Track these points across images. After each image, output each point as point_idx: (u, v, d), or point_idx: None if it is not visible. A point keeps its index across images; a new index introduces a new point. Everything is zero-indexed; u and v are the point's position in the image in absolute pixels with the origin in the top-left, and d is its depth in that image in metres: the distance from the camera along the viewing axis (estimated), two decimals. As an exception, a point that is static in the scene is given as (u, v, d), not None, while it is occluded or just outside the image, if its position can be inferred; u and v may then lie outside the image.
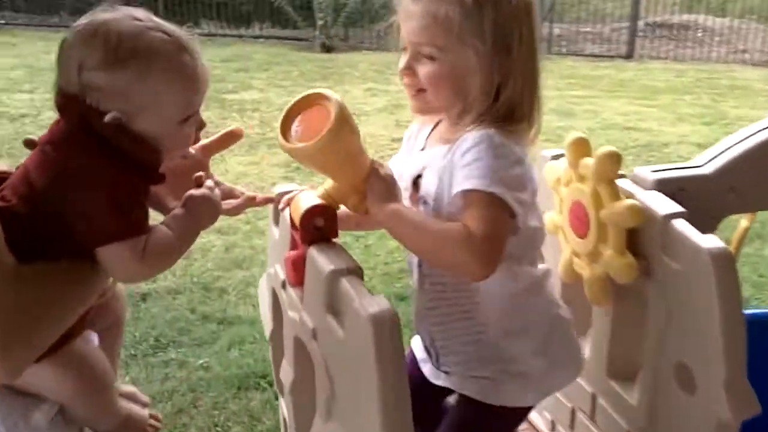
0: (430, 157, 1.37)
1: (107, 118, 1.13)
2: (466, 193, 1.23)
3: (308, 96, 1.23)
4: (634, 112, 6.99)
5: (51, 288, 1.13)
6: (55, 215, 1.12)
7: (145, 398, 1.53)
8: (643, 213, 1.41)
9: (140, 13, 1.19)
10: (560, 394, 1.74)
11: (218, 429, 2.44)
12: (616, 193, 1.44)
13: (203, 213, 1.24)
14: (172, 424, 2.40)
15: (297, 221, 1.26)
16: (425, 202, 1.35)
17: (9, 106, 6.12)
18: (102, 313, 1.37)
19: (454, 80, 1.29)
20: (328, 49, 9.76)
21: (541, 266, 1.44)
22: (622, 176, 1.52)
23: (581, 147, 1.49)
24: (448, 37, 1.27)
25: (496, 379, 1.40)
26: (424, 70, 1.30)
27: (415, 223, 1.27)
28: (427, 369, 1.51)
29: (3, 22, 10.42)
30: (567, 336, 1.46)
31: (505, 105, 1.28)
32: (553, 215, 1.62)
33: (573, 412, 1.73)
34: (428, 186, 1.34)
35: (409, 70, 1.32)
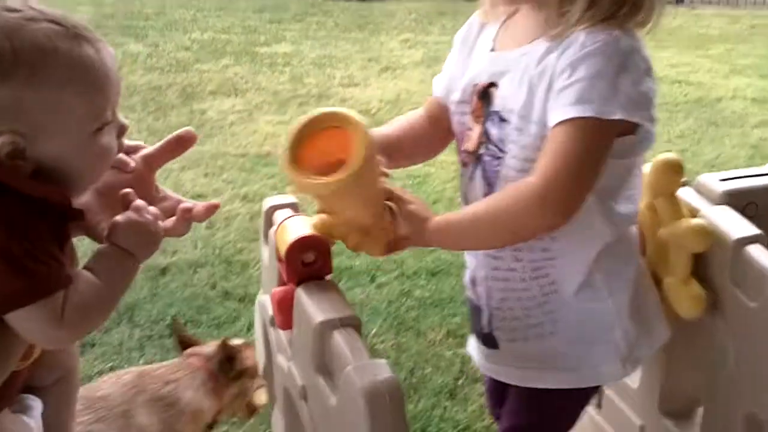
0: (509, 60, 1.11)
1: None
2: (571, 122, 1.00)
3: (323, 115, 1.02)
4: (685, 63, 6.57)
5: None
6: None
7: None
8: (712, 236, 1.17)
9: (14, 1, 0.93)
10: (606, 424, 1.52)
11: (234, 420, 2.29)
12: (677, 210, 1.20)
13: (135, 244, 0.99)
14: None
15: (282, 254, 1.04)
16: (501, 119, 1.11)
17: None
18: (45, 365, 1.12)
19: None
20: (363, -4, 9.43)
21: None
22: (685, 184, 1.27)
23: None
24: None
25: (560, 354, 1.19)
26: None
27: (469, 222, 1.09)
28: (478, 357, 1.30)
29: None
30: (653, 294, 1.24)
31: None
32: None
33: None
34: (509, 98, 1.10)
35: None
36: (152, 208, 1.01)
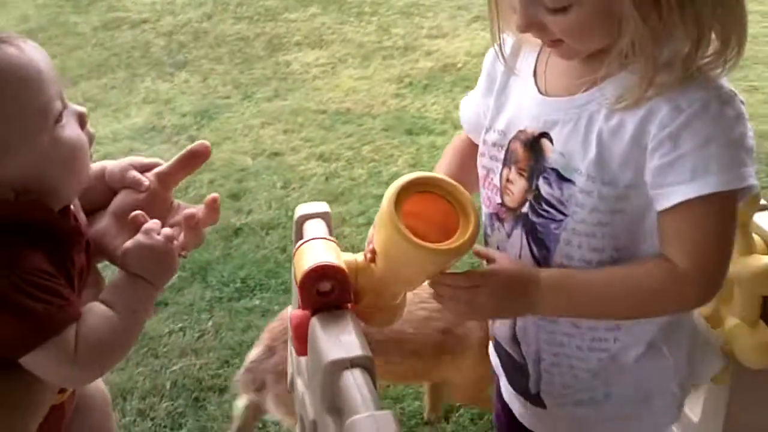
0: (566, 109, 0.97)
1: None
2: (692, 202, 0.89)
3: (431, 180, 0.97)
4: None
5: None
6: None
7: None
8: None
9: None
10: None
11: (295, 390, 2.33)
12: (749, 244, 1.10)
13: (148, 269, 0.93)
14: (246, 382, 2.29)
15: (298, 279, 1.00)
16: (563, 178, 0.97)
17: (131, 11, 6.06)
18: (79, 412, 1.08)
19: (602, 19, 0.89)
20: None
21: None
22: (764, 208, 1.15)
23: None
24: None
25: (614, 417, 1.11)
26: (558, 25, 0.92)
27: (584, 291, 0.97)
28: (517, 406, 1.20)
29: None
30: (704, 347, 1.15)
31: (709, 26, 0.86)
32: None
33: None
34: (572, 155, 0.96)
35: (536, 25, 0.93)
36: (165, 229, 0.96)
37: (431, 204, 0.96)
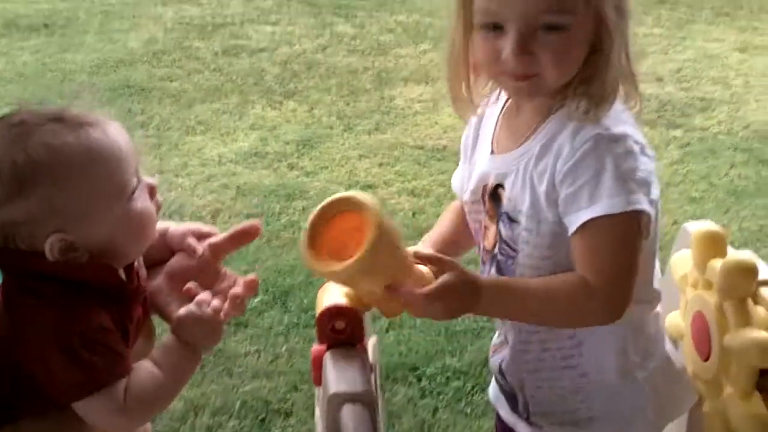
0: (509, 162, 1.15)
1: (48, 249, 0.96)
2: (590, 224, 1.04)
3: (338, 201, 1.06)
4: None
5: None
6: (19, 373, 0.98)
7: None
8: None
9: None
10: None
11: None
12: (746, 317, 1.12)
13: (197, 337, 1.05)
14: (311, 408, 2.35)
15: (317, 316, 1.09)
16: (512, 220, 1.15)
17: (251, 39, 6.36)
18: None
19: (580, 50, 1.07)
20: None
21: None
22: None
23: (711, 244, 1.16)
24: None
25: None
26: (551, 46, 1.04)
27: (516, 297, 1.12)
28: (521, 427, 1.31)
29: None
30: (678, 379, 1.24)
31: (608, 71, 1.06)
32: (676, 317, 1.30)
33: None
34: (515, 199, 1.14)
35: (529, 53, 1.05)
36: (215, 302, 1.06)
37: (356, 219, 1.03)
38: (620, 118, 1.08)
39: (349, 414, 0.95)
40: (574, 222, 1.06)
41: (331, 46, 6.11)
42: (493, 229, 1.21)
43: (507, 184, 1.15)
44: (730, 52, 5.99)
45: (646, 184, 1.05)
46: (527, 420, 1.27)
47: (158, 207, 1.09)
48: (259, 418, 2.34)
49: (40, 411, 0.98)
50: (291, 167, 4.06)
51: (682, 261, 1.31)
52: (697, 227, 1.23)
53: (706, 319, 1.21)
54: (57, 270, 0.98)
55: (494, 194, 1.17)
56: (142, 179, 1.06)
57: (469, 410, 2.37)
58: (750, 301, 1.14)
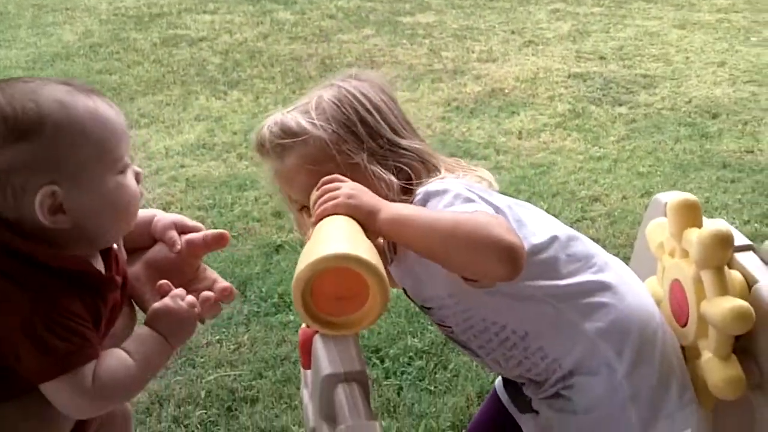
0: (394, 267, 1.30)
1: (39, 198, 0.94)
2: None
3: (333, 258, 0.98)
4: None
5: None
6: None
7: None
8: (751, 319, 1.10)
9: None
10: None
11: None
12: (722, 286, 1.13)
13: (170, 330, 1.04)
14: (277, 394, 2.35)
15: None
16: (428, 309, 1.29)
17: (190, 29, 6.25)
18: (102, 428, 1.16)
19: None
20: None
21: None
22: (748, 248, 1.18)
23: (687, 213, 1.18)
24: None
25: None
26: None
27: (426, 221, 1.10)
28: (528, 427, 1.34)
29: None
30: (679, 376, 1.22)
31: None
32: (654, 283, 1.31)
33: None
34: (416, 293, 1.31)
35: None
36: (189, 297, 1.06)
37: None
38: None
39: (341, 394, 0.94)
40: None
41: (273, 34, 6.05)
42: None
43: (407, 285, 1.27)
44: (670, 29, 6.12)
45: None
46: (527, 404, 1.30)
47: (141, 195, 1.08)
48: (226, 406, 2.31)
49: (9, 394, 0.98)
50: (240, 157, 4.01)
51: (657, 229, 1.31)
52: (671, 197, 1.24)
53: (684, 288, 1.22)
54: (33, 251, 0.96)
55: (408, 297, 1.29)
56: (131, 164, 1.05)
57: (432, 388, 2.38)
58: (726, 269, 1.15)
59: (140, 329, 1.04)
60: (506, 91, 4.90)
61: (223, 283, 1.14)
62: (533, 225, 1.20)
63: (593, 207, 3.42)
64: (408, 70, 5.28)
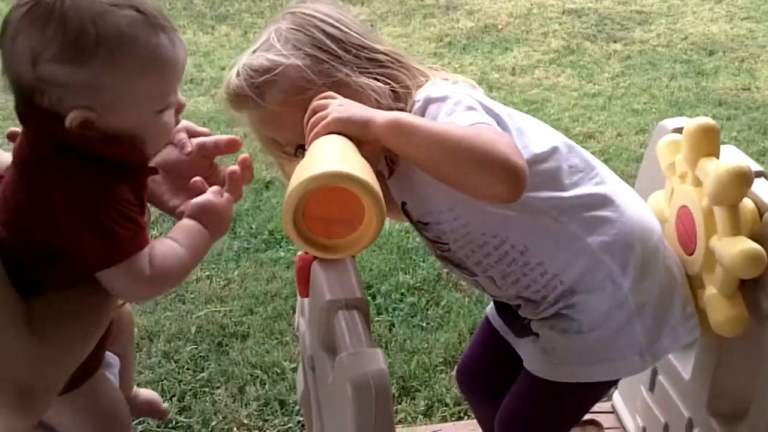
0: (393, 180, 1.24)
1: (69, 119, 0.95)
2: None
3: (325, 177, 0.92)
4: None
5: (68, 320, 1.02)
6: (46, 245, 0.99)
7: (164, 407, 1.43)
8: (763, 263, 1.06)
9: None
10: (655, 407, 1.46)
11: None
12: (735, 225, 1.08)
13: (212, 223, 1.07)
14: (268, 330, 2.34)
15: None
16: (424, 224, 1.23)
17: None
18: (116, 330, 1.22)
19: None
20: None
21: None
22: (760, 174, 1.14)
23: (704, 140, 1.12)
24: None
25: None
26: None
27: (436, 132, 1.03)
28: (527, 350, 1.30)
29: None
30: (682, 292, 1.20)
31: None
32: (660, 201, 1.28)
33: (666, 428, 1.45)
34: (414, 207, 1.24)
35: None
36: (226, 194, 1.09)
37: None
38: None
39: (342, 321, 0.91)
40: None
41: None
42: (425, 239, 1.26)
43: (407, 200, 1.21)
44: (666, -36, 6.01)
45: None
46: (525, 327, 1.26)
47: (176, 124, 1.11)
48: (216, 341, 2.29)
49: (65, 283, 1.01)
50: (228, 92, 3.93)
51: (670, 146, 1.25)
52: (682, 123, 1.18)
53: (693, 217, 1.18)
54: (77, 141, 0.97)
55: (405, 212, 1.23)
56: (178, 96, 1.06)
57: (424, 324, 2.36)
58: (739, 208, 1.10)
59: (184, 222, 1.07)
60: (499, 26, 4.80)
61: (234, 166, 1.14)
62: (534, 134, 1.15)
63: (587, 144, 3.37)
64: (399, 4, 5.16)
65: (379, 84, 1.12)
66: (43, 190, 0.97)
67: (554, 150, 1.15)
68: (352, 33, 1.15)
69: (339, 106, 1.04)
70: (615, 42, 4.56)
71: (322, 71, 1.12)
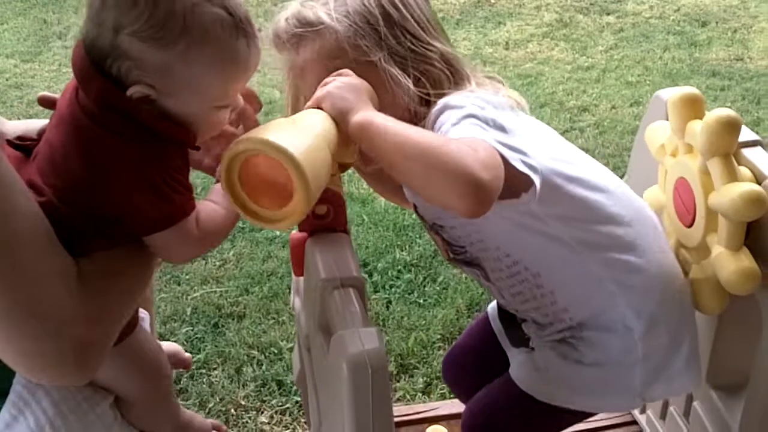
0: None
1: (131, 91, 0.97)
2: None
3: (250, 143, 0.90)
4: None
5: (116, 279, 1.04)
6: (100, 209, 1.00)
7: (187, 356, 1.45)
8: (765, 202, 1.05)
9: None
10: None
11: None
12: (731, 171, 1.07)
13: None
14: (264, 309, 2.33)
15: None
16: (440, 227, 1.20)
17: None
18: None
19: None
20: None
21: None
22: (756, 143, 1.13)
23: (690, 106, 1.12)
24: None
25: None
26: None
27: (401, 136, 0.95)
28: (518, 359, 1.28)
29: None
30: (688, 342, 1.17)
31: None
32: (656, 191, 1.27)
33: (666, 405, 1.45)
34: (427, 209, 1.21)
35: None
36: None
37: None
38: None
39: (338, 300, 0.90)
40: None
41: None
42: (440, 240, 1.23)
43: (415, 201, 1.19)
44: (657, -65, 5.96)
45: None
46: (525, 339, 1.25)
47: (227, 121, 1.12)
48: (212, 322, 2.28)
49: (112, 245, 1.03)
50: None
51: (657, 131, 1.25)
52: (672, 92, 1.18)
53: (689, 184, 1.17)
54: (134, 111, 0.99)
55: (419, 215, 1.21)
56: (239, 98, 1.09)
57: (422, 300, 2.36)
58: (734, 163, 1.09)
59: (219, 186, 1.10)
60: (492, 0, 4.76)
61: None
62: (577, 160, 1.11)
63: (582, 117, 3.36)
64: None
65: (409, 84, 1.09)
66: (100, 155, 0.99)
67: (596, 185, 1.11)
68: (410, 19, 1.11)
69: (336, 86, 1.02)
70: (608, 14, 4.53)
71: (359, 47, 1.09)
